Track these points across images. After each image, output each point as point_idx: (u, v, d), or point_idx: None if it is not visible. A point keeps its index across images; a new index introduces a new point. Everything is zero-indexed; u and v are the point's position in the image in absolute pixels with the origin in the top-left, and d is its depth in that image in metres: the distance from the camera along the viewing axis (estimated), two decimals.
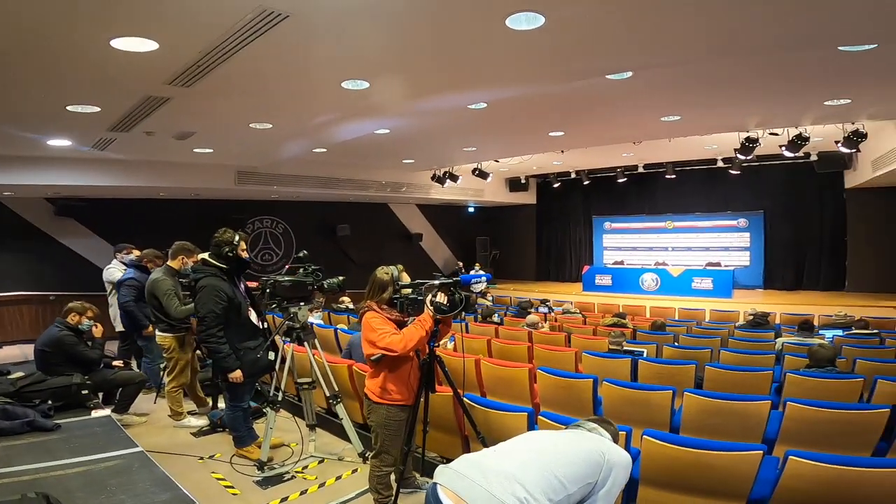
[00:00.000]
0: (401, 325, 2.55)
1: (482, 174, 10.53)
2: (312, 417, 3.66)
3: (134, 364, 5.10)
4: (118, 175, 7.61)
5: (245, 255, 3.39)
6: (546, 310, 8.46)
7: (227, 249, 3.29)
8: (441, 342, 4.80)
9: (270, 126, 5.82)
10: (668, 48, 3.57)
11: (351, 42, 3.47)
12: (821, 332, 6.18)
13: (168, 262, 4.14)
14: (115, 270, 5.33)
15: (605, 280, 12.12)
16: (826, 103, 5.52)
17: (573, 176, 12.67)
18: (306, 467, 3.44)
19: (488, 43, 3.50)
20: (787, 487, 2.16)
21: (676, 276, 11.22)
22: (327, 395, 3.52)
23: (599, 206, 14.08)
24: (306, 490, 3.13)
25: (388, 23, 3.18)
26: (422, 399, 2.59)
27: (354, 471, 3.37)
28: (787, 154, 7.41)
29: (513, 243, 15.65)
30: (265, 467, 3.31)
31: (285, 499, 3.03)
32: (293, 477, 3.29)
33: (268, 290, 3.37)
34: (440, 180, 10.88)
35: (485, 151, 9.28)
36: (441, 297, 2.43)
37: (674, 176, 11.38)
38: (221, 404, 4.25)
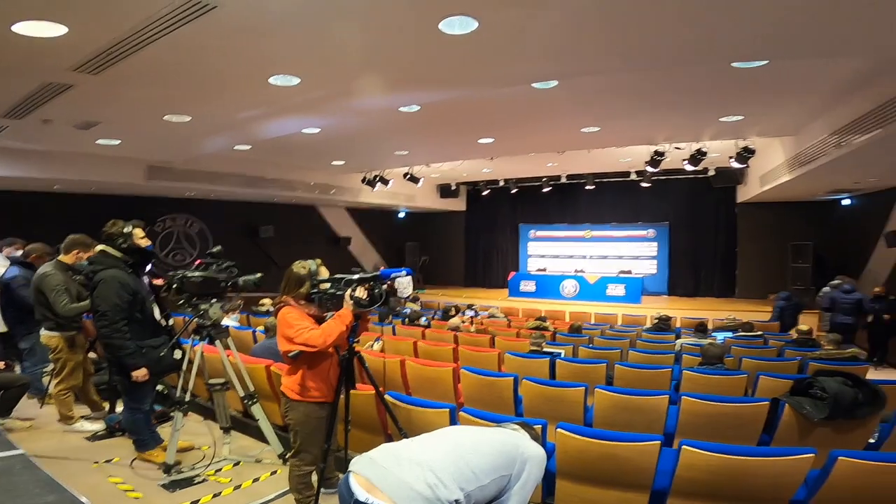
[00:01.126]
0: (319, 320, 2.51)
1: (413, 179, 10.60)
2: (226, 420, 3.49)
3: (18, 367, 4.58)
4: (7, 165, 6.83)
5: (144, 243, 3.20)
6: (472, 313, 8.66)
7: (120, 241, 3.10)
8: (367, 344, 4.82)
9: (188, 119, 5.51)
10: (588, 57, 3.81)
11: (282, 37, 3.40)
12: (714, 333, 6.86)
13: (60, 257, 3.77)
14: None
15: (530, 286, 12.60)
16: (721, 119, 6.16)
17: (501, 184, 13.11)
18: (220, 470, 3.27)
19: (422, 45, 3.57)
20: (683, 477, 2.30)
21: (593, 283, 11.92)
22: (242, 395, 3.38)
23: (525, 214, 14.65)
24: (220, 493, 2.99)
25: (322, 20, 3.16)
26: (342, 396, 2.56)
27: (274, 472, 3.26)
28: (689, 168, 8.15)
29: (442, 249, 15.84)
30: (172, 471, 3.11)
31: (196, 502, 2.88)
32: (205, 480, 3.13)
33: (175, 286, 3.18)
34: (371, 184, 10.80)
35: (416, 155, 9.37)
36: (361, 292, 2.42)
37: (593, 187, 12.14)
38: (120, 408, 3.94)
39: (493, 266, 15.27)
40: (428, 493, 1.46)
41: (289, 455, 2.64)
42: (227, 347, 3.38)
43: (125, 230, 3.12)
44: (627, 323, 9.30)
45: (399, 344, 5.24)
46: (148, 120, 5.57)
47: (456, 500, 1.50)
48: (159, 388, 3.89)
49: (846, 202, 9.99)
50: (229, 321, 5.84)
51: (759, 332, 6.81)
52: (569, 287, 12.14)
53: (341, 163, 9.75)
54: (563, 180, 12.34)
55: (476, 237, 15.51)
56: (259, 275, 3.42)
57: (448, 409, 2.68)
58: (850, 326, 7.50)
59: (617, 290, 11.59)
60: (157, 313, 3.36)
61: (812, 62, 4.24)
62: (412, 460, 1.53)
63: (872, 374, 4.62)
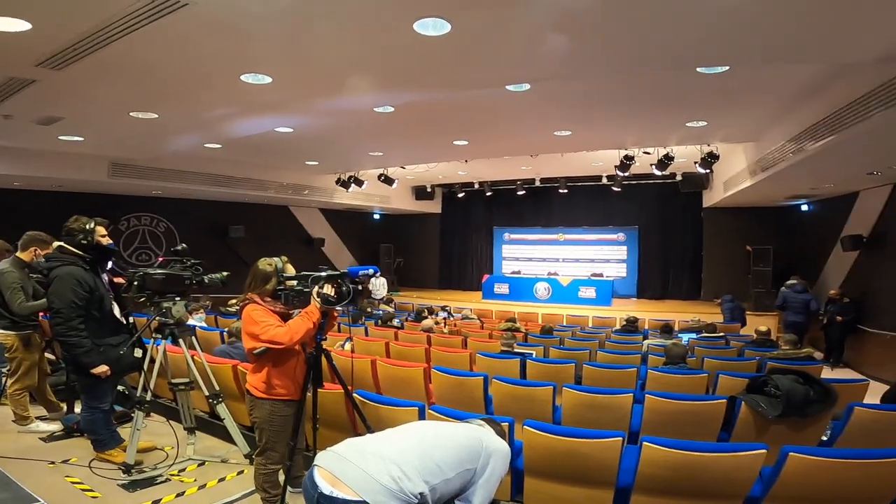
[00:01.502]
0: (285, 318, 2.49)
1: (388, 180, 10.57)
2: (191, 420, 3.42)
3: None
4: None
5: (105, 241, 3.12)
6: (445, 314, 8.69)
7: (80, 237, 3.01)
8: (337, 344, 4.79)
9: (155, 116, 5.38)
10: (558, 61, 3.86)
11: (255, 35, 3.36)
12: (679, 334, 7.06)
13: (17, 254, 3.65)
14: None
15: (503, 289, 12.72)
16: (687, 124, 6.34)
17: (476, 187, 13.20)
18: (183, 470, 3.21)
19: (396, 46, 3.58)
20: (645, 473, 2.35)
21: (566, 286, 12.11)
22: (206, 394, 3.32)
23: (500, 217, 14.79)
24: (183, 492, 2.93)
25: (295, 19, 3.14)
26: (309, 394, 2.54)
27: (241, 472, 3.21)
28: (657, 173, 8.38)
29: (417, 251, 15.83)
30: (133, 471, 3.04)
31: (157, 501, 2.81)
32: (167, 480, 3.06)
33: (136, 283, 3.10)
34: (345, 184, 10.73)
35: (391, 157, 9.35)
36: (328, 289, 2.41)
37: (566, 190, 12.35)
38: (79, 409, 3.83)
39: (467, 268, 15.34)
40: (392, 485, 1.47)
41: (255, 454, 2.60)
42: (191, 347, 3.31)
43: (87, 226, 3.04)
44: (598, 325, 9.48)
45: (371, 345, 5.23)
46: (113, 116, 5.41)
47: (420, 493, 1.51)
48: (120, 388, 3.79)
49: (805, 208, 10.42)
50: (195, 321, 5.73)
51: (722, 334, 7.04)
52: (542, 289, 12.30)
53: (315, 163, 9.66)
54: (537, 184, 12.52)
55: (451, 239, 15.56)
56: (226, 273, 3.37)
57: (417, 408, 2.69)
58: (801, 325, 8.04)
59: (588, 292, 11.81)
60: (117, 312, 3.28)
61: (770, 69, 4.40)
62: (376, 454, 1.54)
63: (829, 375, 4.83)
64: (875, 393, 3.94)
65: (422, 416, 2.71)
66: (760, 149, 7.03)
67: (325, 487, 1.49)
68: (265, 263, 2.56)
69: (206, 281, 3.30)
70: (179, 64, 3.89)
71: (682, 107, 5.64)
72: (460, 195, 13.81)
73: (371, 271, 2.54)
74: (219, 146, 7.47)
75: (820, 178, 7.29)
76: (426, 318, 7.10)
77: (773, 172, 6.67)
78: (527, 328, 7.48)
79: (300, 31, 3.34)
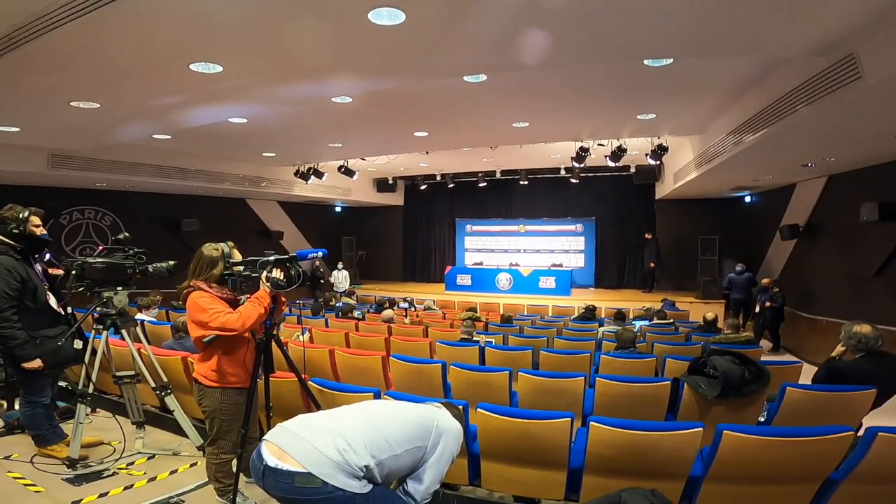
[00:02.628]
0: (232, 304, 2.46)
1: (348, 172, 10.45)
2: (138, 414, 3.35)
3: None
4: None
5: (39, 231, 3.01)
6: (406, 305, 8.72)
7: (12, 226, 2.90)
8: (294, 335, 4.74)
9: (97, 106, 5.12)
10: (512, 52, 3.89)
11: (204, 22, 3.26)
12: (633, 321, 7.37)
13: None
14: None
15: (466, 280, 12.84)
16: (638, 117, 6.55)
17: (439, 179, 13.23)
18: (132, 464, 3.16)
19: (351, 35, 3.55)
20: (594, 454, 2.41)
21: (526, 276, 12.34)
22: (153, 386, 3.25)
23: (462, 209, 14.88)
24: (132, 485, 2.89)
25: (246, 6, 3.07)
26: (260, 381, 2.53)
27: (194, 464, 3.18)
28: (611, 164, 8.64)
29: (380, 244, 15.75)
30: (77, 465, 2.97)
31: (105, 494, 2.75)
32: (115, 474, 3.01)
33: (74, 273, 2.99)
34: (304, 176, 10.52)
35: (351, 148, 9.24)
36: (277, 273, 2.39)
37: (526, 182, 12.56)
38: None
39: (430, 260, 15.38)
40: (337, 457, 1.50)
41: (206, 444, 2.57)
42: (136, 339, 3.23)
43: (21, 215, 2.93)
44: (557, 314, 9.73)
45: (331, 336, 5.21)
46: (51, 107, 5.11)
47: (365, 466, 1.54)
48: (62, 383, 3.66)
49: (748, 199, 11.00)
50: (146, 316, 5.55)
51: (671, 320, 7.39)
52: (503, 280, 12.49)
53: (272, 154, 9.43)
54: (498, 176, 12.67)
55: (414, 232, 15.55)
56: (172, 262, 3.28)
57: (373, 394, 2.71)
58: (744, 301, 9.38)
59: (548, 282, 12.08)
60: (53, 303, 3.16)
61: (711, 62, 4.58)
62: (324, 428, 1.57)
63: (767, 359, 5.12)
64: (809, 375, 4.21)
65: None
66: (705, 141, 7.33)
67: (271, 460, 1.50)
68: (211, 248, 2.50)
69: (151, 270, 3.21)
70: (122, 53, 3.73)
71: (632, 99, 5.80)
72: (423, 187, 13.80)
73: (319, 254, 2.53)
74: (168, 137, 7.18)
75: (759, 170, 7.69)
76: (388, 308, 7.10)
77: (715, 164, 6.96)
78: (487, 318, 7.61)
79: (250, 20, 3.27)
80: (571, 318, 8.56)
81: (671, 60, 4.36)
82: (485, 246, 14.81)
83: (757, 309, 8.42)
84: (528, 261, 13.71)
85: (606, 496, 2.20)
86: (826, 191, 7.83)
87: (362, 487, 1.53)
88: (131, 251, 3.17)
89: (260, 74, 4.46)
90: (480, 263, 13.90)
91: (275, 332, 2.56)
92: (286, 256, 2.46)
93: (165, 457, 3.29)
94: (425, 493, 1.75)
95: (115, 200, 10.22)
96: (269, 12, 3.17)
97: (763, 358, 4.47)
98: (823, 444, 2.19)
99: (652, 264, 11.85)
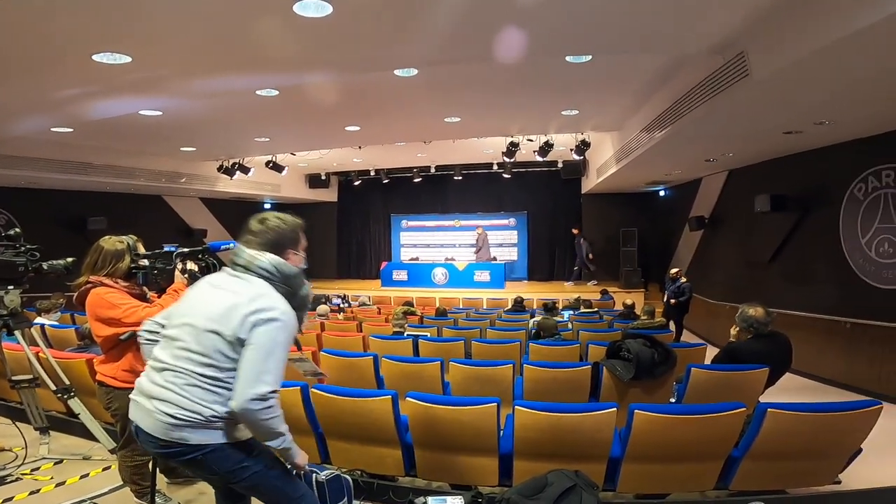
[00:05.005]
0: (141, 299, 2.35)
1: (277, 167, 10.08)
2: (41, 419, 3.14)
3: None
4: None
5: None
6: (339, 301, 8.60)
7: None
8: None
9: None
10: (439, 46, 3.92)
11: (109, 10, 3.03)
12: (562, 311, 7.72)
13: None
14: None
15: (402, 275, 12.83)
16: (563, 113, 6.77)
17: (373, 174, 13.09)
18: (37, 469, 3.02)
19: (276, 26, 3.44)
20: (521, 438, 2.49)
21: (462, 271, 12.54)
22: (54, 390, 3.05)
23: (397, 204, 14.83)
24: (38, 490, 2.77)
25: None
26: None
27: (107, 468, 3.05)
28: (539, 159, 8.96)
29: (313, 241, 14.46)
30: None
31: (9, 499, 2.63)
32: (18, 479, 2.88)
33: None
34: (228, 172, 10.03)
35: (279, 143, 8.92)
36: (192, 265, 2.34)
37: (460, 177, 12.74)
38: None
39: (365, 257, 15.22)
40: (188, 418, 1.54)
41: (118, 447, 2.45)
42: (32, 342, 3.01)
43: None
44: (491, 306, 10.00)
45: None
46: None
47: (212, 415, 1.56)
48: None
49: (662, 193, 11.85)
50: (47, 320, 5.10)
51: (596, 309, 7.84)
52: (439, 275, 12.61)
53: (192, 149, 8.87)
54: (433, 171, 12.75)
55: (348, 228, 15.30)
56: (70, 259, 3.04)
57: (299, 388, 2.68)
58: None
59: (483, 276, 12.34)
60: None
61: (627, 59, 4.78)
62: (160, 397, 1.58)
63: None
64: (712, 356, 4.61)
65: (305, 395, 2.72)
66: (623, 137, 7.75)
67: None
68: (114, 241, 2.38)
69: (46, 268, 2.97)
70: (17, 43, 3.42)
71: (557, 95, 5.98)
72: (357, 183, 13.61)
73: (231, 245, 2.48)
74: (70, 130, 6.58)
75: (669, 165, 8.28)
76: (322, 304, 6.97)
77: (632, 159, 7.40)
78: (423, 312, 7.68)
79: (164, 9, 3.08)
80: (505, 310, 8.83)
81: (590, 57, 4.54)
82: (420, 241, 14.86)
83: (664, 298, 8.77)
84: (463, 255, 13.93)
85: (534, 479, 2.32)
86: (727, 184, 8.60)
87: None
88: (23, 248, 2.91)
89: (175, 66, 4.21)
90: (416, 259, 13.95)
91: None
92: (199, 248, 2.39)
93: (75, 461, 3.15)
94: None
95: (10, 198, 9.23)
96: (183, 1, 3.01)
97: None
98: (721, 420, 2.38)
99: (590, 256, 12.16)
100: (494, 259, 13.30)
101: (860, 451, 2.59)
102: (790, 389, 3.67)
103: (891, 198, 5.22)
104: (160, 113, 6.02)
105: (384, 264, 13.26)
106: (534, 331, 5.73)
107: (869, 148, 5.49)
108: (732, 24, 3.55)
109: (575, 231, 12.59)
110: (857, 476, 2.74)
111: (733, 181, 8.43)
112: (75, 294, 2.37)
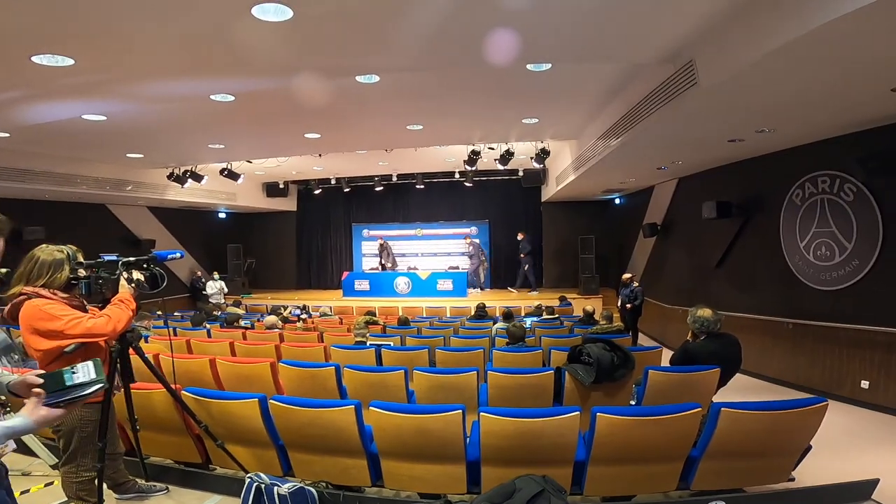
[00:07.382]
0: (81, 310, 2.23)
1: (232, 175, 9.77)
2: None
3: None
4: None
5: None
6: (298, 311, 8.39)
7: None
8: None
9: None
10: (400, 52, 3.91)
11: (53, 9, 2.86)
12: (524, 318, 7.82)
13: None
14: None
15: (364, 285, 12.65)
16: (523, 121, 6.89)
17: (334, 183, 12.89)
18: None
19: (233, 30, 3.35)
20: (487, 444, 2.47)
21: (425, 279, 12.49)
22: None
23: (358, 213, 14.66)
24: None
25: None
26: (119, 392, 2.30)
27: (49, 484, 2.88)
28: (500, 167, 9.08)
29: (272, 251, 14.95)
30: None
31: None
32: None
33: None
34: (179, 180, 9.62)
35: (234, 150, 8.64)
36: (138, 275, 2.28)
37: (423, 186, 12.73)
38: None
39: (326, 267, 14.93)
40: None
41: (61, 463, 2.30)
42: None
43: None
44: (454, 314, 9.98)
45: (213, 346, 4.84)
46: None
47: None
48: None
49: (618, 201, 12.25)
50: None
51: (557, 315, 7.98)
52: (402, 284, 12.52)
53: (139, 155, 8.45)
54: (395, 179, 12.70)
55: (308, 238, 14.99)
56: (4, 270, 2.84)
57: (257, 399, 2.57)
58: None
59: (446, 284, 12.33)
60: None
61: (585, 68, 4.92)
62: None
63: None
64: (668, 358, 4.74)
65: (263, 407, 2.61)
66: (580, 145, 7.97)
67: None
68: (52, 251, 2.25)
69: None
70: None
71: (517, 103, 6.06)
72: (317, 192, 13.37)
73: (178, 255, 2.42)
74: (6, 135, 6.15)
75: (623, 173, 8.56)
76: (271, 315, 6.76)
77: (589, 167, 7.61)
78: (385, 321, 7.58)
79: (112, 10, 2.95)
80: (468, 318, 8.84)
81: (550, 66, 4.63)
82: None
83: (619, 303, 9.02)
84: (425, 264, 13.89)
85: (502, 485, 2.31)
86: (677, 192, 8.99)
87: None
88: None
89: (122, 69, 4.02)
90: (378, 268, 13.80)
91: (129, 338, 2.36)
92: (144, 257, 2.33)
93: (14, 477, 2.91)
94: None
95: None
96: (135, 3, 2.88)
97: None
98: (679, 421, 2.44)
99: (522, 255, 12.31)
100: (457, 268, 13.35)
101: (810, 447, 2.70)
102: (740, 389, 3.80)
103: (827, 203, 5.58)
104: (104, 118, 5.72)
105: (346, 274, 13.04)
106: (497, 337, 5.79)
107: (806, 155, 5.86)
108: (683, 33, 3.70)
109: (520, 236, 12.63)
110: (809, 473, 2.85)
111: (683, 189, 8.81)
112: (6, 308, 2.20)
